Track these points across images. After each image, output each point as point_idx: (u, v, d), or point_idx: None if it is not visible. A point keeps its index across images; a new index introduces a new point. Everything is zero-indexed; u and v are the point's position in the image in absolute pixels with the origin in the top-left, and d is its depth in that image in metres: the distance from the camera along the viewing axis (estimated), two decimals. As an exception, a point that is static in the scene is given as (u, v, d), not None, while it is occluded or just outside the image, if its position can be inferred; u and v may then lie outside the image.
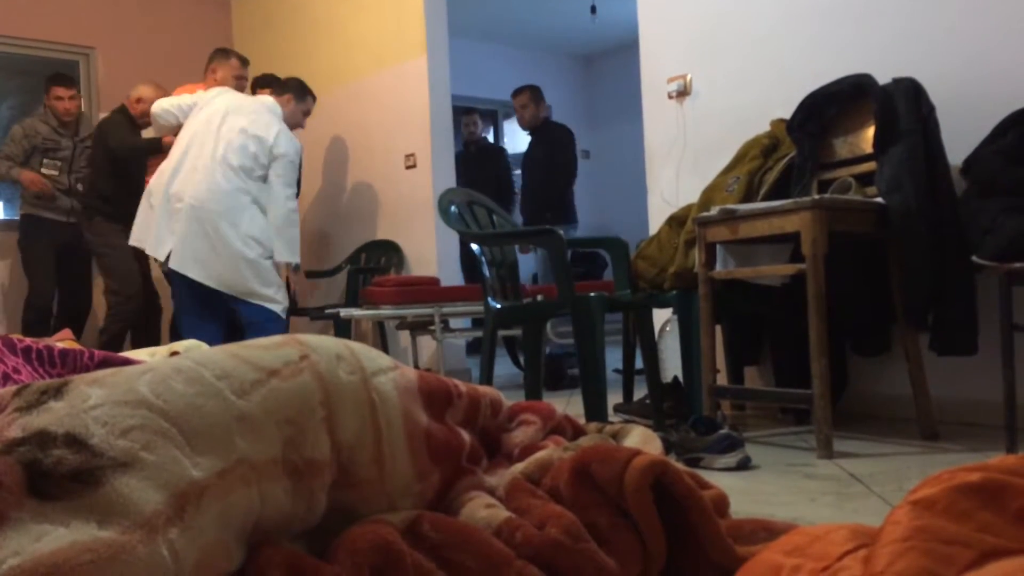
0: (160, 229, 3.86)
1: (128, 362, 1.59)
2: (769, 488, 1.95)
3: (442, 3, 4.99)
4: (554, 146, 5.63)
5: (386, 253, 5.10)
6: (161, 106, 4.19)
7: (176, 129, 4.18)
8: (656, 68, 3.68)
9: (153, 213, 3.89)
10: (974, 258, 2.31)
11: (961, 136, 2.56)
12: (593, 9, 6.51)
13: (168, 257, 3.87)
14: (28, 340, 1.55)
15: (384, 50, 5.18)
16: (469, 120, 6.38)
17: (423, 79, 4.88)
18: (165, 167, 3.97)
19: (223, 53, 4.60)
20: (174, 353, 1.88)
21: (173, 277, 3.98)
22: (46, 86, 5.17)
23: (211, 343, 3.86)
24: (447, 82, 4.99)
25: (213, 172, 3.86)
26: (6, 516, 0.75)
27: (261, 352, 1.08)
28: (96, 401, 0.88)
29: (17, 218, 5.36)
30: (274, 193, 3.98)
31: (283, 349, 1.10)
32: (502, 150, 7.29)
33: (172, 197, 3.86)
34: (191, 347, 1.97)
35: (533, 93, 5.66)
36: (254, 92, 4.75)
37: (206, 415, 0.94)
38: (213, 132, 3.96)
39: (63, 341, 2.13)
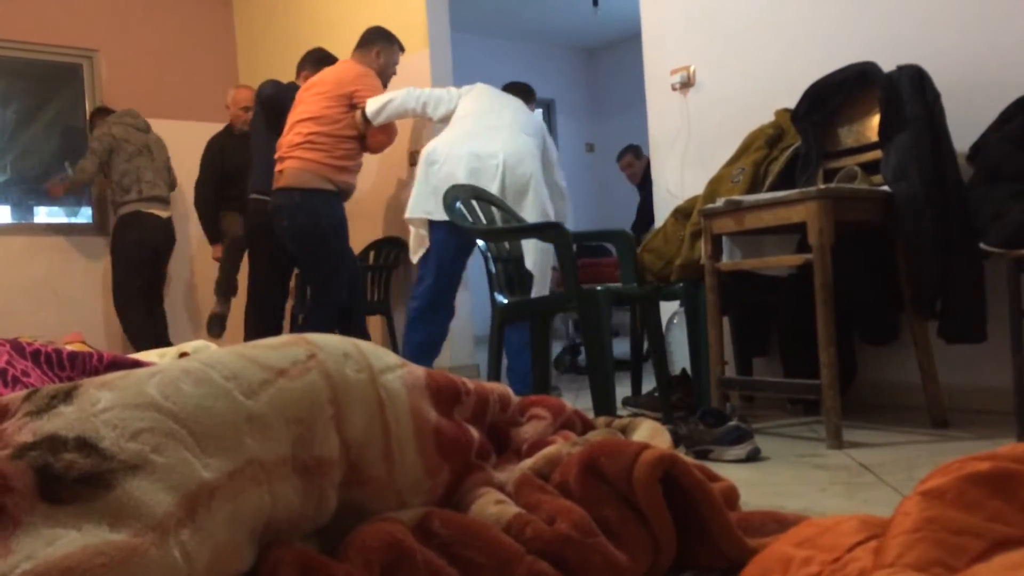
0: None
1: (137, 364, 1.60)
2: (779, 479, 1.95)
3: (444, -3, 4.99)
4: None
5: (394, 250, 5.10)
6: (414, 95, 4.00)
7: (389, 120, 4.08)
8: (659, 60, 3.67)
9: (456, 180, 3.51)
10: (981, 245, 2.30)
11: (967, 123, 2.55)
12: (595, 1, 6.49)
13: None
14: (37, 343, 1.56)
15: (386, 45, 5.17)
16: None
17: (425, 73, 4.86)
18: (452, 135, 3.73)
19: (387, 39, 4.34)
20: (183, 354, 1.88)
21: (449, 246, 3.68)
22: None
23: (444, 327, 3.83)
24: (450, 76, 4.97)
25: (519, 134, 3.72)
26: (18, 521, 0.76)
27: (269, 352, 1.08)
28: (106, 404, 0.89)
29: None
30: (562, 198, 3.98)
31: (290, 348, 1.10)
32: None
33: (484, 156, 3.59)
34: (199, 348, 1.98)
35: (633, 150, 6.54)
36: (313, 70, 4.52)
37: (215, 416, 0.94)
38: (503, 107, 3.85)
39: (73, 344, 2.15)
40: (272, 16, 6.24)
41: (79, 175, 5.32)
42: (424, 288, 3.76)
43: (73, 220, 6.11)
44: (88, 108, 6.03)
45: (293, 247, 4.21)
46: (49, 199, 5.70)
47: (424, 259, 3.78)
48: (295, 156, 4.07)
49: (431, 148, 3.70)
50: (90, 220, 6.09)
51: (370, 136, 4.16)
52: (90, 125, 5.69)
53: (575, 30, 8.32)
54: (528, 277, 3.36)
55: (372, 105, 4.04)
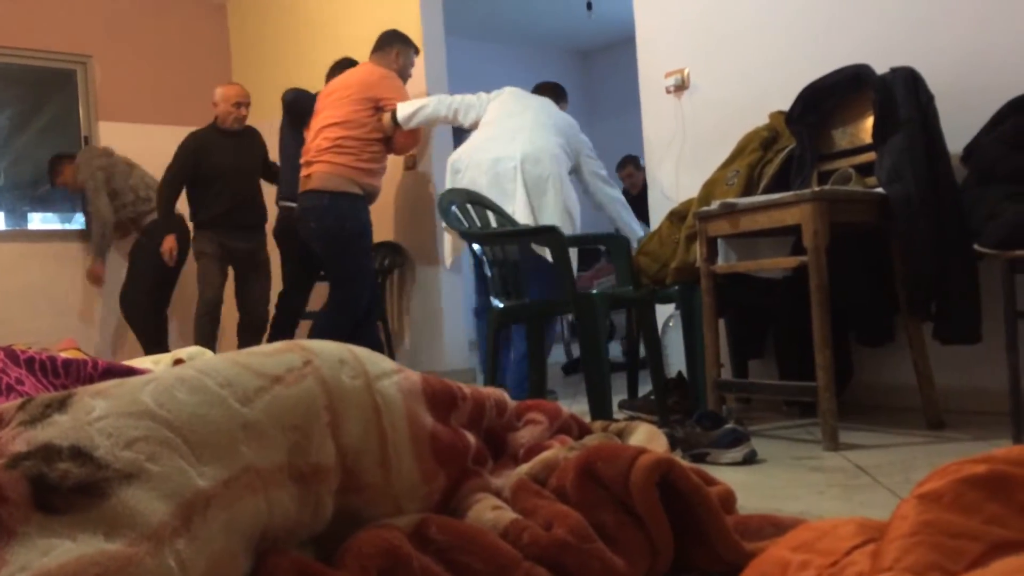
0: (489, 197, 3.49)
1: (132, 371, 1.59)
2: (776, 482, 1.95)
3: (438, 1, 4.98)
4: None
5: (390, 255, 5.08)
6: (445, 102, 4.03)
7: (418, 128, 4.16)
8: (653, 63, 3.68)
9: (477, 186, 3.54)
10: (976, 246, 2.30)
11: (960, 124, 2.55)
12: (589, 5, 6.49)
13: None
14: (31, 351, 1.55)
15: (380, 50, 5.16)
16: None
17: (420, 78, 4.86)
18: (474, 141, 3.75)
19: (404, 41, 4.36)
20: (178, 361, 1.88)
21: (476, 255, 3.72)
22: None
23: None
24: (444, 81, 4.98)
25: (540, 134, 3.68)
26: (13, 531, 0.75)
27: (264, 359, 1.08)
28: (100, 413, 0.88)
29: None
30: (604, 182, 3.93)
31: (286, 355, 1.10)
32: None
33: (504, 159, 3.58)
34: (194, 354, 1.97)
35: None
36: (338, 72, 4.51)
37: (210, 424, 0.94)
38: (525, 108, 3.83)
39: (67, 351, 2.14)
40: (266, 21, 6.23)
41: (99, 218, 5.21)
42: (477, 290, 3.92)
43: (67, 226, 6.09)
44: (82, 114, 6.01)
45: (319, 248, 4.24)
46: (98, 281, 5.67)
47: (475, 264, 3.86)
48: (324, 160, 4.10)
49: (456, 157, 3.75)
50: (84, 227, 6.07)
51: (397, 138, 4.22)
52: (53, 175, 5.54)
53: (569, 33, 8.32)
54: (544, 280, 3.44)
55: (404, 110, 4.08)
